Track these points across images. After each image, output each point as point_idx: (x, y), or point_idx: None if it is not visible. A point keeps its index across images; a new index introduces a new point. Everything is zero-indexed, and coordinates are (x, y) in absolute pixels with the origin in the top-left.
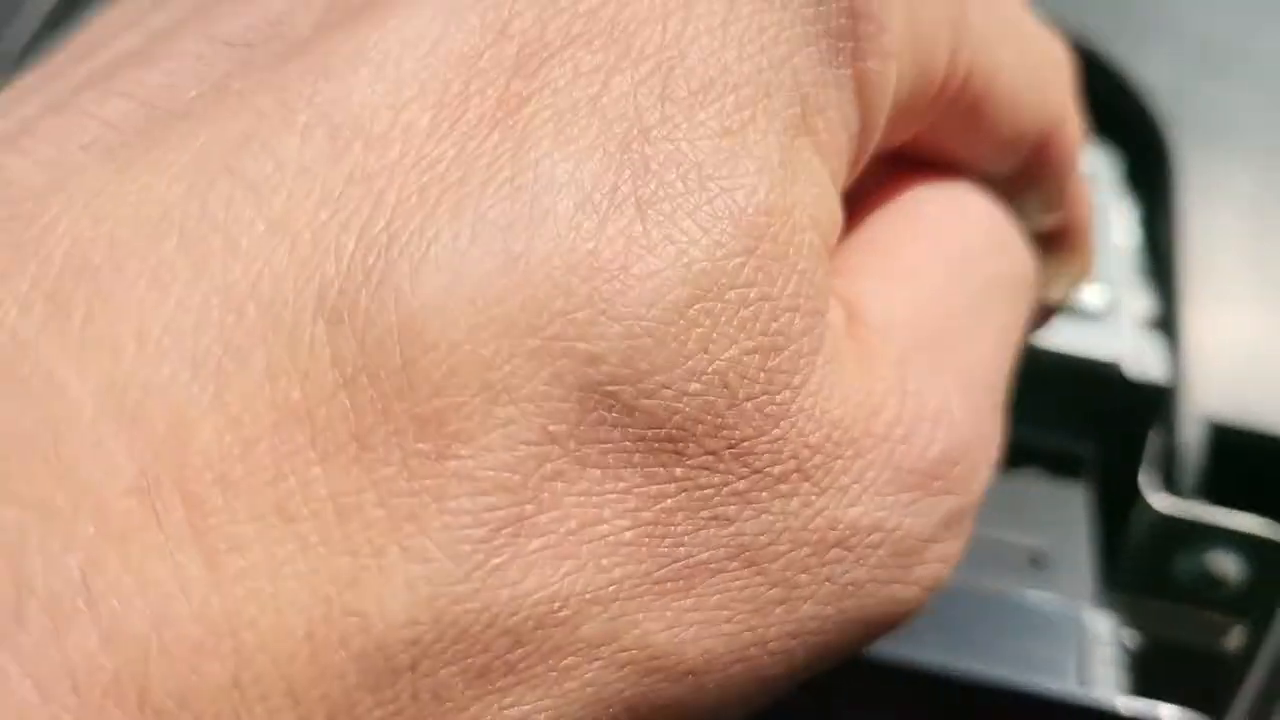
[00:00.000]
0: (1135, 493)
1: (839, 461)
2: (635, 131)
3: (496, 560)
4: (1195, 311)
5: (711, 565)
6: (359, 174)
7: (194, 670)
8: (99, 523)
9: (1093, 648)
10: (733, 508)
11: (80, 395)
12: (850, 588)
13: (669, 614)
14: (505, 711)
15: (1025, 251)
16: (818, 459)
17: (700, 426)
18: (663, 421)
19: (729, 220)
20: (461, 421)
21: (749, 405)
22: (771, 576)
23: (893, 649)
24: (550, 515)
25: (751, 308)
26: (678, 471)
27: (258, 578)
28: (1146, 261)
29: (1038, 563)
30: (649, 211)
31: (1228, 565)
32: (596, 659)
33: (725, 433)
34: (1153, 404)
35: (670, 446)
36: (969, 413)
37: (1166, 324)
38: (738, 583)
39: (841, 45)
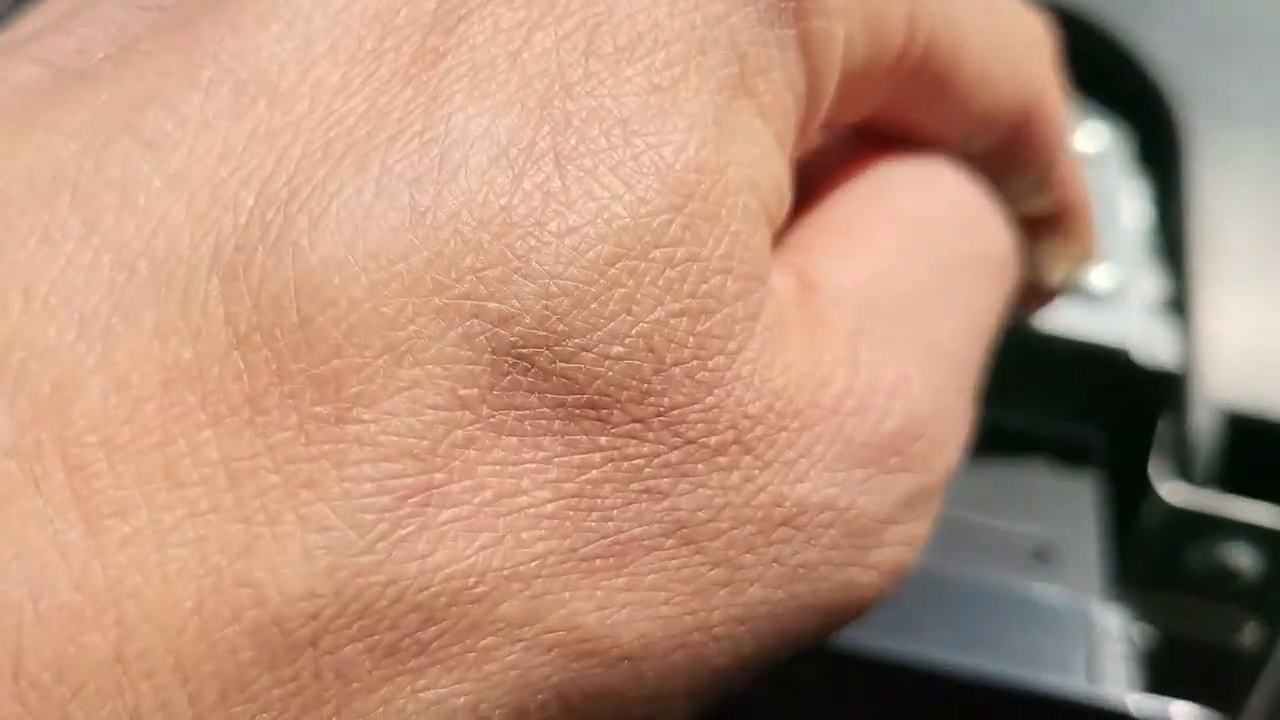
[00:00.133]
0: (1145, 483)
1: (783, 434)
2: (556, 87)
3: (403, 531)
4: (1208, 294)
5: (645, 542)
6: (263, 130)
7: (72, 641)
8: None
9: (1102, 643)
10: (666, 480)
11: None
12: (801, 570)
13: (599, 593)
14: (420, 694)
15: (1004, 231)
16: (759, 430)
17: (625, 393)
18: (583, 386)
19: (655, 176)
20: (363, 383)
21: (677, 370)
22: (712, 556)
23: (895, 644)
24: (463, 485)
25: (679, 268)
26: (602, 440)
27: (142, 545)
28: (1158, 242)
29: (1044, 555)
30: (568, 167)
31: (1241, 558)
32: (519, 640)
33: (653, 400)
34: (1163, 390)
35: (593, 413)
36: (929, 389)
37: (1178, 306)
38: (675, 561)
39: (783, 5)
